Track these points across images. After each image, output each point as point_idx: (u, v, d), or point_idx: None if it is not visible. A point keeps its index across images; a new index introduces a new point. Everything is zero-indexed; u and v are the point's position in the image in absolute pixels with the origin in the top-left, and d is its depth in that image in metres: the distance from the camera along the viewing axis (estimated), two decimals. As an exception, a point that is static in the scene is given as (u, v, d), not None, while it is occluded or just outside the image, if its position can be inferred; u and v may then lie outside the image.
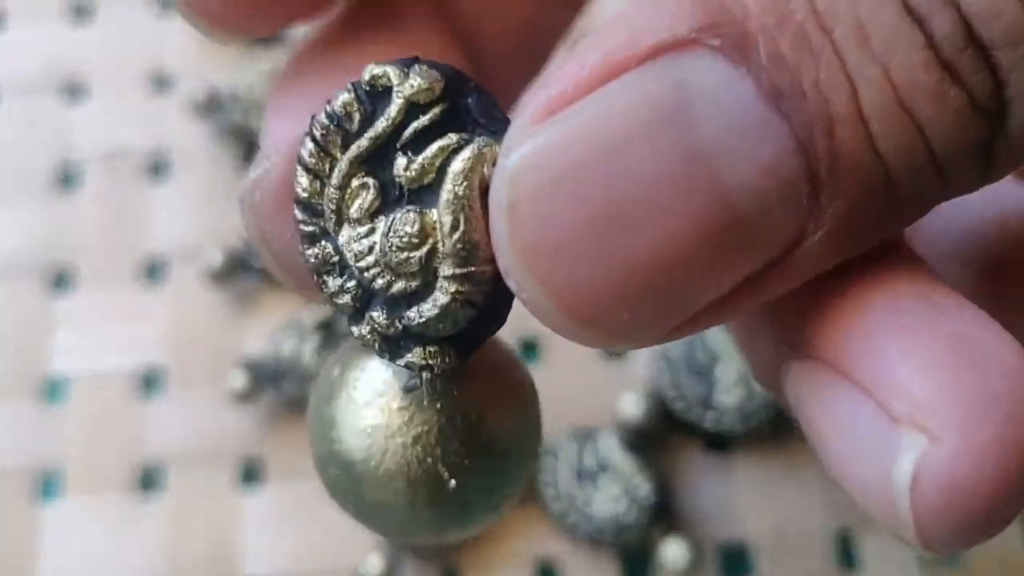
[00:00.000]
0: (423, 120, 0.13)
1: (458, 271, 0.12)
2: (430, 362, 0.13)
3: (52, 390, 0.28)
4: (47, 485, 0.27)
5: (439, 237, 0.12)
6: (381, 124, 0.13)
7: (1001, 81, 0.11)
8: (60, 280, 0.29)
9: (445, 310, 0.12)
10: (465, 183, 0.12)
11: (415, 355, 0.13)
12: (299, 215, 0.13)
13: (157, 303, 0.29)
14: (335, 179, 0.13)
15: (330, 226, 0.13)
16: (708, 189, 0.11)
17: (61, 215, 0.30)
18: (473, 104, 0.12)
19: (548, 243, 0.11)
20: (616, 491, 0.25)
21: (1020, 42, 0.10)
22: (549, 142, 0.11)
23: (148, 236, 0.29)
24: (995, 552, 0.26)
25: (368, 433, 0.14)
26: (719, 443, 0.27)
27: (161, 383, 0.28)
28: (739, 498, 0.26)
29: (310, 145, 0.13)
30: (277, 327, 0.28)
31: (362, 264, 0.13)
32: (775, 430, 0.26)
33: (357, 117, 0.13)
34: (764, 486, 0.27)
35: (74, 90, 0.31)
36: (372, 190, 0.13)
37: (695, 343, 0.27)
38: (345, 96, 0.13)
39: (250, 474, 0.27)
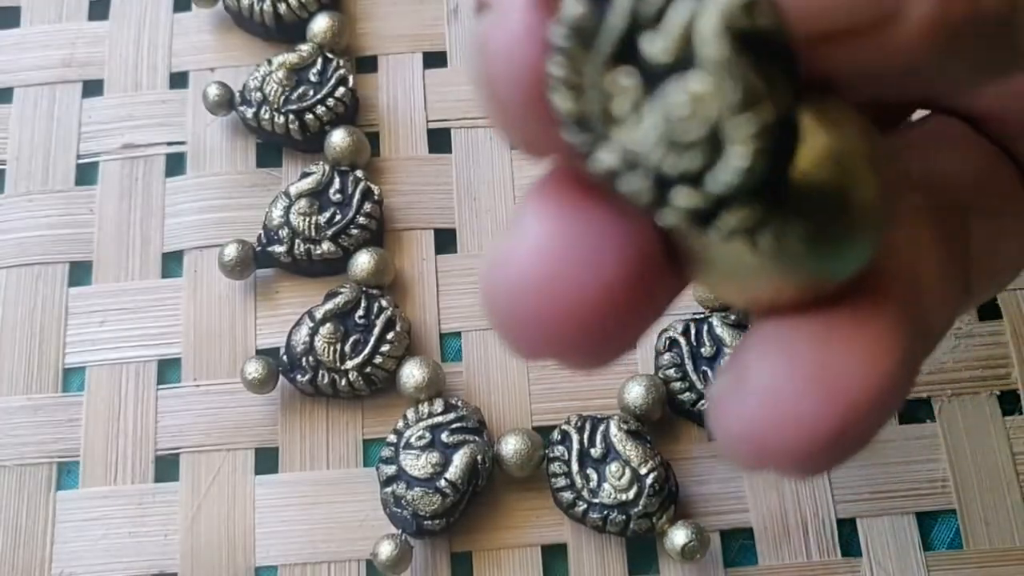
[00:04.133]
0: None
1: (742, 124, 0.12)
2: (744, 220, 0.13)
3: (69, 381, 0.28)
4: (63, 475, 0.27)
5: (713, 101, 0.12)
6: (617, 19, 0.12)
7: None
8: (77, 272, 0.30)
9: (742, 166, 0.12)
10: (719, 39, 0.12)
11: (727, 221, 0.13)
12: (570, 134, 0.13)
13: (173, 295, 0.29)
14: (593, 89, 0.13)
15: (605, 131, 0.13)
16: None
17: (78, 208, 0.30)
18: None
19: None
20: (623, 478, 0.26)
21: None
22: None
23: (164, 229, 0.30)
24: (995, 538, 0.26)
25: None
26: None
27: (177, 374, 0.28)
28: (744, 485, 0.27)
29: (559, 59, 0.13)
30: (292, 319, 0.28)
31: (648, 154, 0.13)
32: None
33: (589, 18, 0.12)
34: (768, 476, 0.27)
35: (92, 85, 0.32)
36: (632, 84, 0.12)
37: (702, 335, 0.27)
38: (570, 4, 0.12)
39: (265, 464, 0.27)
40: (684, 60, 0.12)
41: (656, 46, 0.12)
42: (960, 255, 0.17)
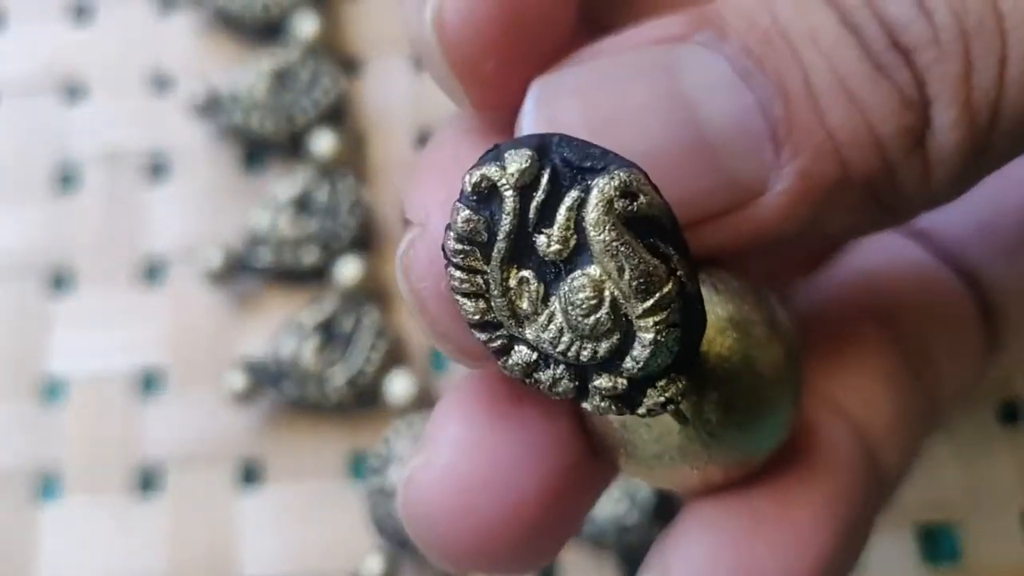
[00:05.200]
0: (538, 195, 0.13)
1: (647, 304, 0.12)
2: (667, 396, 0.13)
3: (51, 391, 0.28)
4: (46, 486, 0.27)
5: (612, 286, 0.13)
6: (506, 222, 0.13)
7: (920, 79, 0.13)
8: (59, 281, 0.29)
9: (656, 345, 0.13)
10: (607, 226, 0.12)
11: (651, 399, 0.13)
12: (481, 336, 0.13)
13: (156, 304, 0.29)
14: (495, 290, 0.13)
15: (514, 331, 0.13)
16: (686, 116, 0.13)
17: (60, 216, 0.30)
18: (568, 153, 0.13)
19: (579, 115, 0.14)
20: (617, 492, 0.25)
21: (929, 45, 0.13)
22: (580, 66, 0.14)
23: (147, 237, 0.29)
24: (995, 551, 0.26)
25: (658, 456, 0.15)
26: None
27: (160, 384, 0.28)
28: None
29: (457, 273, 0.13)
30: (276, 328, 0.28)
31: (561, 347, 0.13)
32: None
33: (482, 227, 0.13)
34: None
35: (74, 90, 0.31)
36: (532, 280, 0.13)
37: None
38: (461, 215, 0.13)
39: (249, 475, 0.27)
40: (579, 250, 0.13)
41: (548, 241, 0.13)
42: (925, 373, 0.18)
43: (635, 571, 0.26)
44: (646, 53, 0.14)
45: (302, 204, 0.28)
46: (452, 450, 0.15)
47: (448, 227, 0.13)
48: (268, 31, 0.31)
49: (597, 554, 0.26)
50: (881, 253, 0.19)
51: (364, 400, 0.27)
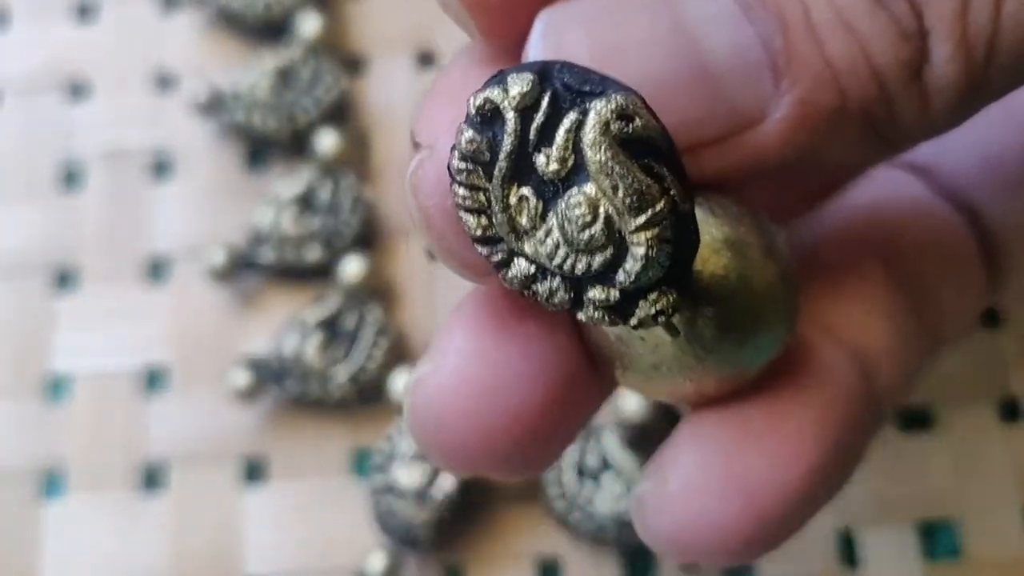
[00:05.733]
0: (539, 117, 0.13)
1: (639, 221, 0.13)
2: (658, 308, 0.14)
3: (54, 389, 0.28)
4: (50, 484, 0.27)
5: (607, 203, 0.13)
6: (507, 142, 0.14)
7: (918, 11, 0.13)
8: (63, 279, 0.29)
9: (647, 260, 0.13)
10: (603, 147, 0.13)
11: (642, 310, 0.14)
12: (483, 250, 0.14)
13: (160, 302, 0.29)
14: (496, 206, 0.14)
15: (514, 246, 0.14)
16: (688, 47, 0.14)
17: (63, 214, 0.30)
18: (568, 79, 0.13)
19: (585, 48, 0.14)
20: (618, 490, 0.25)
21: None
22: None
23: (151, 235, 0.29)
24: (995, 548, 0.26)
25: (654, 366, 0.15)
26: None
27: (164, 381, 0.28)
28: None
29: (461, 191, 0.14)
30: (280, 325, 0.28)
31: (557, 261, 0.14)
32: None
33: (485, 147, 0.14)
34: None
35: (77, 89, 0.31)
36: (531, 198, 0.14)
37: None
38: (465, 136, 0.14)
39: (253, 472, 0.27)
40: (577, 170, 0.13)
41: (547, 161, 0.13)
42: (926, 310, 0.18)
43: (636, 567, 0.26)
44: None
45: (305, 202, 0.28)
46: (458, 358, 0.16)
47: (453, 147, 0.14)
48: (270, 30, 0.31)
49: (598, 550, 0.26)
50: (883, 189, 0.19)
51: (367, 397, 0.27)
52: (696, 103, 0.14)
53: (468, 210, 0.14)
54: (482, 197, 0.14)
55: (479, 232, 0.14)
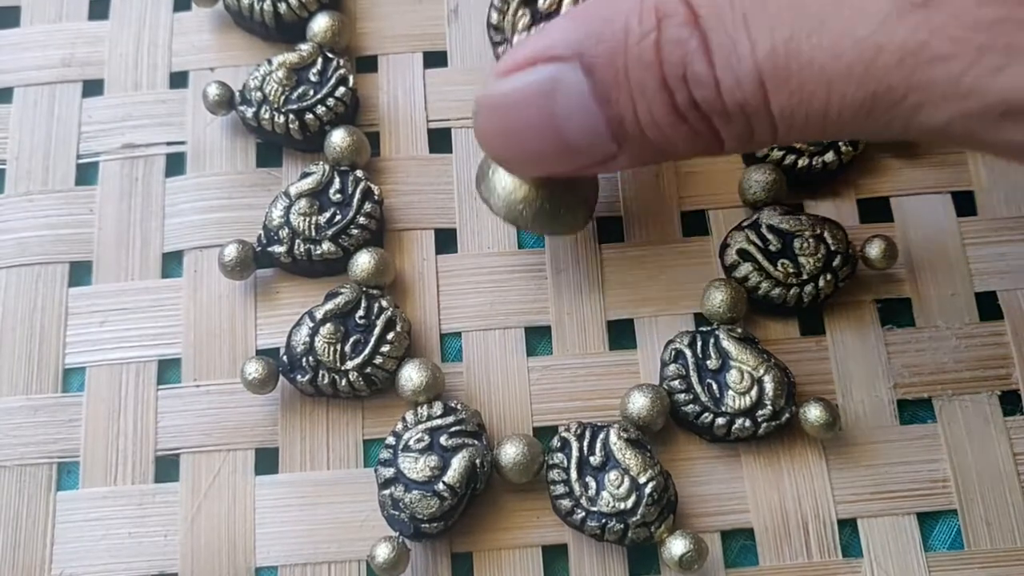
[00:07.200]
0: None
1: None
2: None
3: (68, 381, 0.28)
4: (63, 475, 0.27)
5: None
6: None
7: (715, 130, 0.21)
8: (77, 272, 0.29)
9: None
10: None
11: None
12: (492, 35, 0.28)
13: (173, 296, 0.29)
14: (509, 13, 0.28)
15: (509, 35, 0.28)
16: (556, 132, 0.22)
17: (78, 208, 0.30)
18: None
19: (489, 133, 0.24)
20: (622, 487, 0.25)
21: (714, 103, 0.20)
22: (495, 91, 0.23)
23: (164, 229, 0.30)
24: (995, 539, 0.26)
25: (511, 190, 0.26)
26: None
27: (177, 374, 0.28)
28: (745, 486, 0.27)
29: (497, 2, 0.28)
30: (291, 319, 0.28)
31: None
32: (781, 428, 0.27)
33: None
34: (769, 477, 0.27)
35: (91, 84, 0.32)
36: (527, 16, 0.28)
37: (708, 347, 0.27)
38: None
39: (265, 464, 0.27)
40: (553, 14, 0.24)
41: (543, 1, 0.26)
42: None
43: (641, 562, 0.26)
44: (540, 71, 0.22)
45: (316, 198, 0.29)
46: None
47: None
48: (283, 28, 0.31)
49: (602, 546, 0.26)
50: None
51: (378, 389, 0.27)
52: (569, 160, 0.23)
53: (497, 9, 0.29)
54: (506, 6, 0.29)
55: (496, 21, 0.29)
